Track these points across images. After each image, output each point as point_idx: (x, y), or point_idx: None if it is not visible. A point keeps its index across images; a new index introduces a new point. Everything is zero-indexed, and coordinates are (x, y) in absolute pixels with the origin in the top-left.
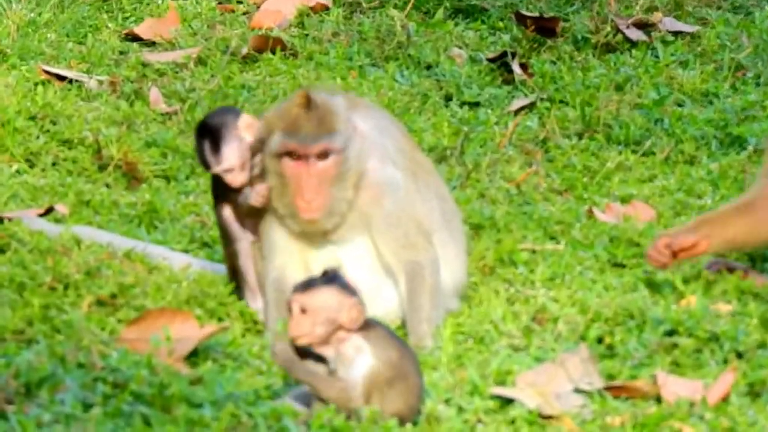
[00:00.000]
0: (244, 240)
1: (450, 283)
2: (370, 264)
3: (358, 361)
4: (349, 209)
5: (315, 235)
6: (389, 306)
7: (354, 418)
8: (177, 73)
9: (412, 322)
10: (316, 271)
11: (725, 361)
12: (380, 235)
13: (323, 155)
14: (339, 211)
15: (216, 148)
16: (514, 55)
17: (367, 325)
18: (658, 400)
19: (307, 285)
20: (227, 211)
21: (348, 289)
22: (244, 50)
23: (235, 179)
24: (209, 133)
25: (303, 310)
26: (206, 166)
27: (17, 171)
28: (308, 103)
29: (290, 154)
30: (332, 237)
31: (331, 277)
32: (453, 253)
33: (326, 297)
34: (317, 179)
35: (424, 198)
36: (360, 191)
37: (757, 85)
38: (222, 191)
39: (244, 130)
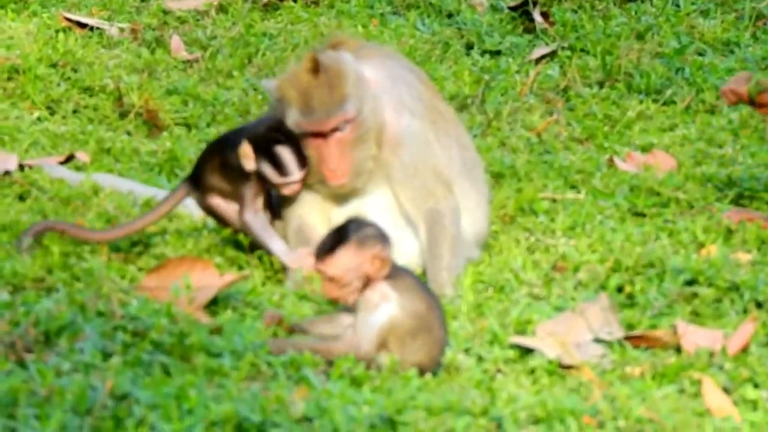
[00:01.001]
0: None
1: (471, 232)
2: (391, 214)
3: (381, 309)
4: (374, 164)
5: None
6: (410, 255)
7: (374, 368)
8: (198, 20)
9: (432, 271)
10: (337, 220)
11: (745, 311)
12: (399, 184)
13: (339, 127)
14: (365, 169)
15: (278, 162)
16: (535, 3)
17: (396, 274)
18: (678, 350)
19: (323, 250)
20: (216, 200)
21: (365, 240)
22: None
23: (294, 189)
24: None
25: (328, 278)
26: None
27: (38, 118)
28: (316, 67)
29: (302, 131)
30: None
31: (344, 233)
32: (474, 202)
33: (343, 259)
34: (338, 148)
35: (444, 146)
36: (381, 145)
37: None
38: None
39: (243, 158)
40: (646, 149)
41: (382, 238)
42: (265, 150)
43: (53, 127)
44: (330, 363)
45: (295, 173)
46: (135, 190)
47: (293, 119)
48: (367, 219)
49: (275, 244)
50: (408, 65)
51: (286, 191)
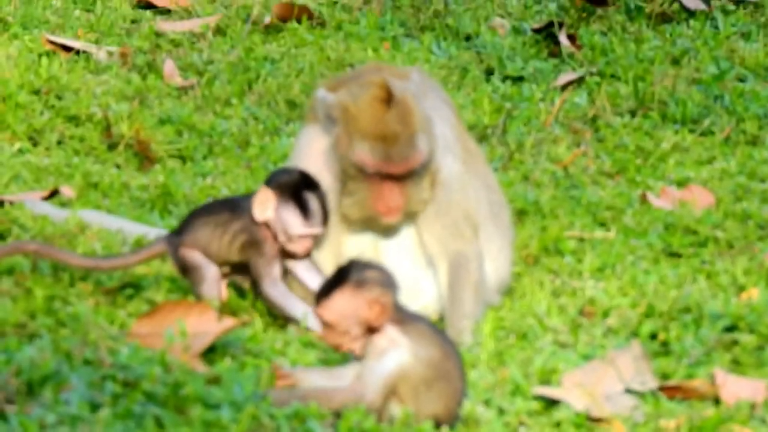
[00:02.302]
0: (211, 266)
1: (494, 279)
2: (412, 254)
3: (391, 355)
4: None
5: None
6: (427, 299)
7: (386, 420)
8: (194, 43)
9: (453, 316)
10: (351, 255)
11: None
12: (429, 223)
13: (413, 170)
14: (417, 210)
15: (306, 210)
16: (561, 25)
17: (407, 319)
18: (717, 401)
19: (320, 295)
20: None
21: (364, 283)
22: (267, 19)
23: (307, 247)
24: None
25: (326, 324)
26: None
27: (20, 150)
28: (390, 98)
29: (370, 170)
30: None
31: (343, 275)
32: (498, 247)
33: (340, 303)
34: (402, 187)
35: (474, 188)
36: (434, 186)
37: None
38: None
39: (259, 205)
40: (681, 184)
41: (385, 281)
42: (293, 196)
43: (36, 159)
44: (338, 415)
45: (319, 225)
46: (125, 228)
47: (362, 156)
48: (371, 261)
49: (299, 310)
50: (443, 95)
51: (299, 247)
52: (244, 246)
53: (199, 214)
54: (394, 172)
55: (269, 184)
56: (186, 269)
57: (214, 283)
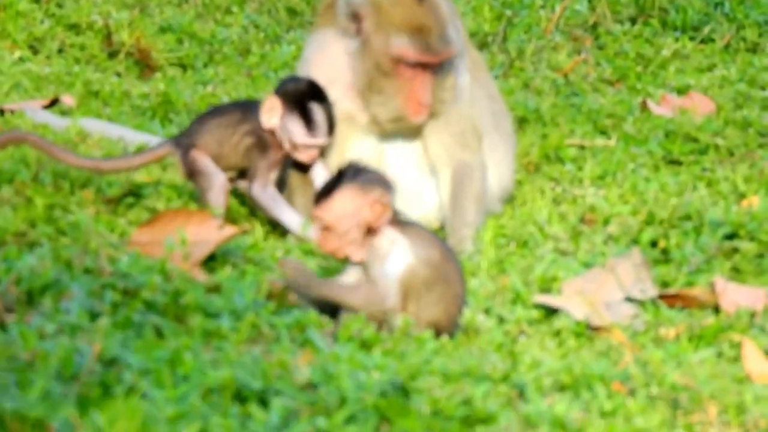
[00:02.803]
0: (220, 175)
1: (496, 188)
2: (415, 162)
3: (394, 255)
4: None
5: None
6: (429, 208)
7: (385, 329)
8: None
9: (454, 224)
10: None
11: None
12: (436, 131)
13: (445, 61)
14: (437, 111)
15: (310, 120)
16: None
17: (403, 222)
18: (716, 309)
19: (320, 196)
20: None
21: (364, 184)
22: None
23: (312, 155)
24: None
25: (325, 227)
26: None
27: (20, 58)
28: None
29: (409, 62)
30: (381, 132)
31: (343, 176)
32: (501, 156)
33: (341, 203)
34: (431, 83)
35: (477, 97)
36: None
37: None
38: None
39: (266, 112)
40: (682, 91)
41: (384, 183)
42: (298, 105)
43: (36, 67)
44: (337, 322)
45: (324, 136)
46: (125, 137)
47: (399, 46)
48: (368, 165)
49: (288, 215)
50: (450, 2)
51: (304, 156)
52: (250, 148)
53: (210, 115)
54: (433, 61)
55: (278, 92)
56: (194, 174)
57: (221, 192)
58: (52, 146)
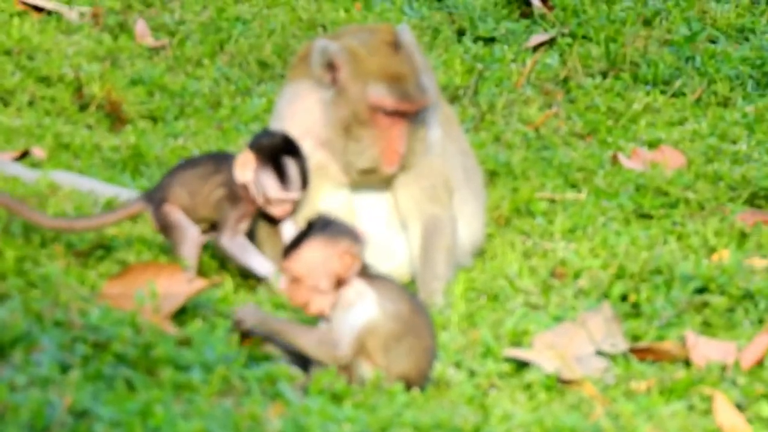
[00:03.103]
0: (193, 228)
1: (467, 242)
2: (386, 216)
3: (359, 308)
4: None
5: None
6: (399, 262)
7: (356, 381)
8: (165, 3)
9: (424, 278)
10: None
11: (760, 321)
12: (407, 184)
13: (421, 110)
14: (410, 162)
15: (283, 174)
16: None
17: (373, 275)
18: (687, 363)
19: (290, 248)
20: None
21: (334, 235)
22: None
23: (286, 210)
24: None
25: (294, 279)
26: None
27: None
28: (398, 42)
29: (387, 110)
30: (352, 183)
31: (311, 229)
32: (471, 211)
33: (310, 254)
34: (406, 132)
35: (450, 152)
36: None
37: None
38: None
39: (240, 167)
40: (653, 145)
41: (353, 234)
42: (271, 160)
43: (7, 120)
44: (308, 375)
45: (297, 191)
46: (96, 189)
47: (376, 94)
48: (337, 217)
49: (257, 262)
50: (422, 56)
51: (278, 210)
52: (221, 200)
53: (182, 168)
54: (410, 109)
55: (251, 146)
56: (167, 228)
57: (193, 246)
58: (23, 207)
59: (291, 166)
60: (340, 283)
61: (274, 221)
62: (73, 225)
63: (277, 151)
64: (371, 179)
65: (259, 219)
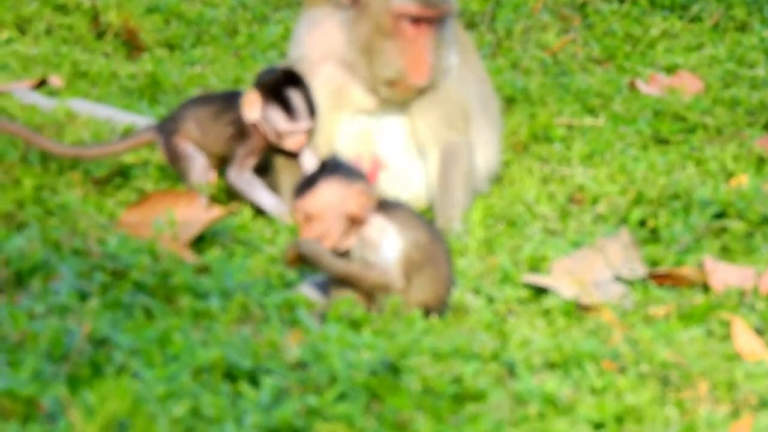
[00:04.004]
0: (200, 157)
1: (483, 169)
2: (403, 143)
3: (386, 244)
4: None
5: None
6: (417, 189)
7: (374, 309)
8: None
9: (442, 204)
10: (343, 143)
11: None
12: (425, 111)
13: (442, 18)
14: (436, 78)
15: (289, 107)
16: None
17: (389, 206)
18: (706, 288)
19: (303, 187)
20: (182, 141)
21: (349, 175)
22: None
23: (299, 142)
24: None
25: (308, 218)
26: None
27: (7, 39)
28: None
29: (412, 17)
30: (370, 108)
31: (326, 169)
32: (488, 138)
33: (325, 194)
34: (432, 42)
35: (467, 80)
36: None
37: None
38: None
39: (246, 106)
40: (670, 71)
41: (365, 177)
42: (275, 94)
43: (24, 48)
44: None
45: (306, 120)
46: (113, 117)
47: (402, 4)
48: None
49: (264, 197)
50: None
51: (291, 144)
52: (232, 138)
53: (193, 104)
54: (434, 15)
55: (255, 85)
56: (175, 158)
57: (203, 172)
58: (35, 134)
59: (295, 96)
60: (354, 221)
61: (292, 155)
62: (83, 152)
63: (280, 85)
64: (397, 95)
65: (275, 153)
